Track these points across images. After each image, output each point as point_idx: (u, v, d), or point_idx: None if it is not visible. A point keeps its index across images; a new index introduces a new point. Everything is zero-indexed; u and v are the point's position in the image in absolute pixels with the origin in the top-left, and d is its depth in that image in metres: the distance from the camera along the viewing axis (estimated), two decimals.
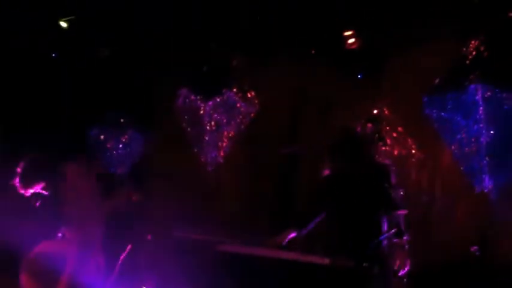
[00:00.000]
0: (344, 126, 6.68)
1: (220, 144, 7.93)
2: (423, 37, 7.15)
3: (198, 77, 8.04)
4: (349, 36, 7.48)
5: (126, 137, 8.12)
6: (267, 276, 6.33)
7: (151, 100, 8.12)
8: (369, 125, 7.59)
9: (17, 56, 7.70)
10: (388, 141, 7.53)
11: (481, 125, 7.18)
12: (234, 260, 6.52)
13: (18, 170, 5.59)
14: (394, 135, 7.52)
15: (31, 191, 5.59)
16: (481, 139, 7.19)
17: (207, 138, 7.96)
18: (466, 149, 7.21)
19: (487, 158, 7.14)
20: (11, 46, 7.59)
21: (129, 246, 6.40)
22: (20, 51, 7.69)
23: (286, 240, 5.96)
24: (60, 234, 5.56)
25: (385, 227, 5.72)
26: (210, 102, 8.02)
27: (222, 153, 7.92)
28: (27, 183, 5.57)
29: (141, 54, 7.94)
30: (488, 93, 7.16)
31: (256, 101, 7.90)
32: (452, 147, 7.30)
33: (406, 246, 5.61)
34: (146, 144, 8.18)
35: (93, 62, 7.95)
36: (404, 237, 5.62)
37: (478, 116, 7.19)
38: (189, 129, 8.03)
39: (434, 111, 7.31)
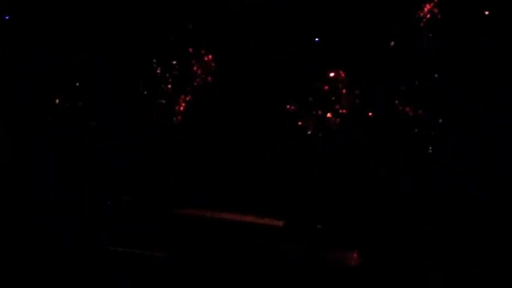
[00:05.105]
0: None
1: (177, 107, 7.91)
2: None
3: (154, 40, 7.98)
4: None
5: None
6: (222, 239, 6.44)
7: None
8: (326, 87, 7.65)
9: None
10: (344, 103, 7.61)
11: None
12: (191, 223, 6.61)
13: None
14: (350, 97, 7.60)
15: None
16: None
17: (163, 101, 7.94)
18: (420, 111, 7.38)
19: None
20: None
21: None
22: None
23: None
24: None
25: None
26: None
27: (179, 118, 7.91)
28: None
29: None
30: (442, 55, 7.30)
31: (213, 65, 7.88)
32: (407, 108, 7.44)
33: None
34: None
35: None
36: None
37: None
38: (145, 92, 7.99)
39: (388, 75, 7.41)
